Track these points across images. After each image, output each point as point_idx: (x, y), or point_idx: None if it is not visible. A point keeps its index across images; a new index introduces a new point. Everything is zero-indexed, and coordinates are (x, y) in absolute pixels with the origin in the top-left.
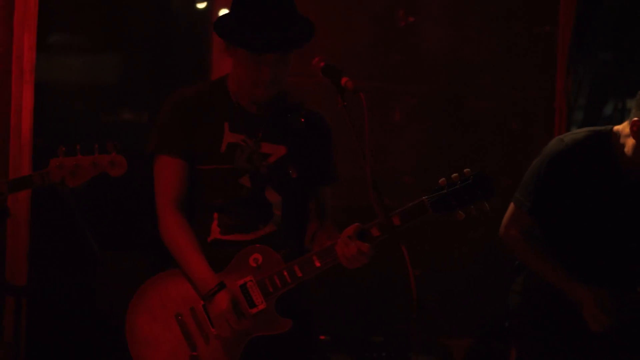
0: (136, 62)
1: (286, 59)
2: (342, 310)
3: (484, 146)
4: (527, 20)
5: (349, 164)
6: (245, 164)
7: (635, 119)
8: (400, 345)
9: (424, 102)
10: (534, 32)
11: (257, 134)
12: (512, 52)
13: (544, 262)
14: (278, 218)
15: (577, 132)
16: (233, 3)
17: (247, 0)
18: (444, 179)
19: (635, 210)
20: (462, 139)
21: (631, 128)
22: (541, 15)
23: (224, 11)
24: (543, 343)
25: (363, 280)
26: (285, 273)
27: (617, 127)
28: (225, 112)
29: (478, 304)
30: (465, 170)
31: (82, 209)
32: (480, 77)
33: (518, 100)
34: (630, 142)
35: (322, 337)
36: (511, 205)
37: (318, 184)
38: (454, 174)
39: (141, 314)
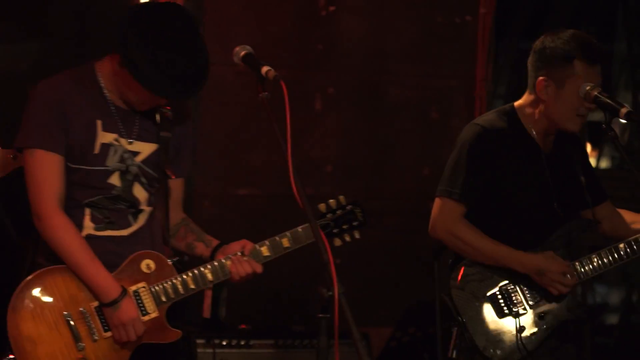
0: (56, 51)
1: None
2: (262, 300)
3: (404, 135)
4: (448, 9)
5: (270, 153)
6: (116, 164)
7: (541, 78)
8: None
9: (345, 91)
10: (455, 22)
11: (129, 133)
12: (433, 41)
13: (486, 242)
14: (147, 214)
15: (486, 115)
16: (147, 36)
17: (165, 44)
18: (323, 204)
19: (557, 179)
20: (382, 127)
21: (537, 89)
22: (462, 4)
23: None
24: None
25: (284, 269)
26: (179, 284)
27: (517, 103)
28: (98, 108)
29: (397, 292)
30: (340, 197)
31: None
32: (401, 66)
33: (438, 89)
34: (537, 109)
35: (243, 326)
36: (437, 200)
37: (179, 176)
38: (331, 200)
39: (25, 309)
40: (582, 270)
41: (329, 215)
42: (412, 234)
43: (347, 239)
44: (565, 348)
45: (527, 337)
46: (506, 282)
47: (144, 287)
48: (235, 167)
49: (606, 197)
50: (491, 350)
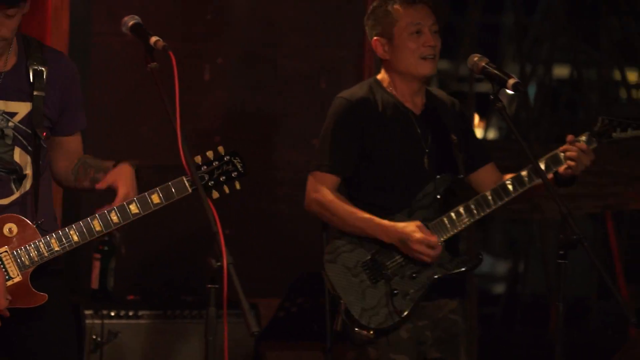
0: None
1: (9, 12)
2: (151, 270)
3: (294, 106)
4: None
5: (159, 124)
6: None
7: (375, 39)
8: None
9: (234, 62)
10: None
11: (2, 93)
12: (322, 12)
13: (352, 213)
14: (30, 179)
15: (352, 88)
16: None
17: None
18: (199, 156)
19: (431, 140)
20: (271, 98)
21: (376, 51)
22: None
23: None
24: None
25: (173, 239)
26: (42, 246)
27: (379, 75)
28: None
29: (287, 263)
30: (219, 147)
31: None
32: (290, 36)
33: (327, 60)
34: (390, 72)
35: (131, 297)
36: (309, 176)
37: (67, 134)
38: (209, 152)
39: None
40: (449, 224)
41: (204, 167)
42: (301, 205)
43: (226, 190)
44: (445, 302)
45: (401, 300)
46: (376, 248)
47: (5, 251)
48: (124, 138)
49: (489, 160)
50: (367, 318)
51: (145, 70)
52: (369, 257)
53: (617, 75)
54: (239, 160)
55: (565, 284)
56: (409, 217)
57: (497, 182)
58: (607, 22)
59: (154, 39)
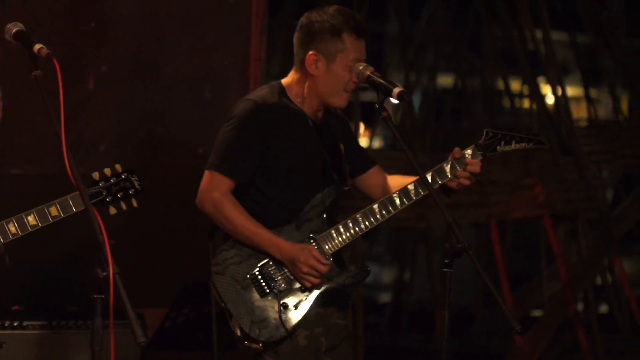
0: None
1: None
2: (35, 280)
3: (179, 113)
4: None
5: (43, 132)
6: None
7: (310, 52)
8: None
9: (118, 69)
10: (229, 0)
11: None
12: (207, 19)
13: (248, 223)
14: None
15: (258, 90)
16: None
17: None
18: (97, 173)
19: (330, 151)
20: (156, 106)
21: (306, 63)
22: None
23: None
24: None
25: (57, 248)
26: None
27: (283, 80)
28: None
29: (173, 272)
30: (116, 165)
31: None
32: (174, 44)
33: (212, 67)
34: (305, 85)
35: (15, 307)
36: (207, 173)
37: None
38: (106, 169)
39: None
40: (335, 241)
41: (101, 183)
42: (187, 214)
43: (124, 207)
44: (330, 312)
45: (290, 312)
46: (265, 260)
47: None
48: (8, 146)
49: (373, 163)
50: (257, 331)
51: (29, 77)
52: (258, 270)
53: (500, 84)
54: (136, 178)
55: (450, 293)
56: (297, 230)
57: (383, 184)
58: (489, 31)
59: (37, 46)
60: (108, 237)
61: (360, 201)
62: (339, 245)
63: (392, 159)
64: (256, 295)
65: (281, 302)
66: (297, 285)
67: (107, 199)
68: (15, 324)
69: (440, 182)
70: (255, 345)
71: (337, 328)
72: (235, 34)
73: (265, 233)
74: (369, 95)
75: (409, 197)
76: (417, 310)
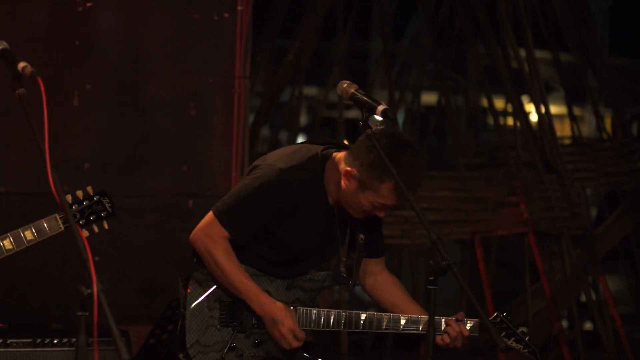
0: None
1: None
2: (19, 297)
3: (163, 132)
4: (205, 6)
5: (27, 151)
6: None
7: (348, 168)
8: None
9: (103, 88)
10: (213, 19)
11: None
12: (191, 38)
13: (237, 273)
14: None
15: (295, 156)
16: None
17: None
18: (69, 195)
19: (331, 241)
20: (140, 125)
21: (343, 174)
22: (219, 1)
23: None
24: None
25: (41, 266)
26: None
27: (336, 154)
28: None
29: (157, 290)
30: (88, 188)
31: None
32: (158, 63)
33: (196, 86)
34: (338, 180)
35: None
36: (210, 214)
37: None
38: (78, 191)
39: None
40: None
41: (75, 206)
42: (170, 231)
43: (96, 229)
44: None
45: (234, 356)
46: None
47: None
48: None
49: (381, 254)
50: (195, 351)
51: (12, 96)
52: (231, 301)
53: (484, 102)
54: (107, 201)
55: (435, 310)
56: (286, 290)
57: (375, 277)
58: (473, 49)
59: (22, 64)
60: (92, 254)
61: None
62: (311, 327)
63: None
64: (216, 321)
65: (233, 343)
66: (255, 337)
67: (80, 222)
68: None
69: (421, 330)
70: (183, 358)
71: None
72: (220, 52)
73: (252, 286)
74: (354, 113)
75: (396, 328)
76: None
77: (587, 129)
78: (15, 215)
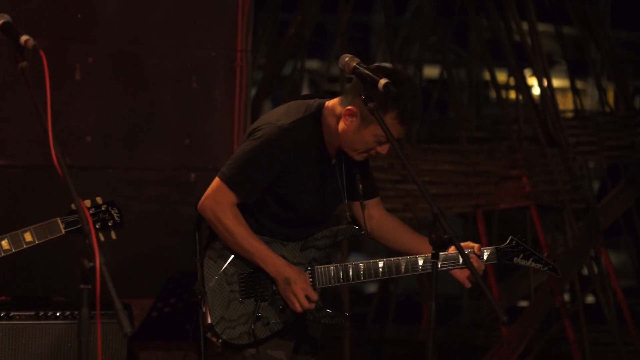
0: None
1: None
2: (22, 271)
3: (165, 105)
4: None
5: (29, 123)
6: None
7: (350, 107)
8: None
9: (105, 61)
10: None
11: None
12: (193, 11)
13: (248, 237)
14: None
15: (295, 113)
16: None
17: None
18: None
19: (334, 193)
20: (142, 98)
21: (344, 114)
22: None
23: None
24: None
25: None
26: None
27: (328, 103)
28: None
29: (159, 263)
30: (97, 198)
31: None
32: (160, 36)
33: (198, 59)
34: (337, 125)
35: (2, 298)
36: (216, 179)
37: None
38: (87, 200)
39: None
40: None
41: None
42: (173, 204)
43: (102, 238)
44: (295, 347)
45: (261, 325)
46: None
47: None
48: None
49: (376, 194)
50: (222, 327)
51: (14, 69)
52: (250, 272)
53: (486, 75)
54: (116, 211)
55: (437, 283)
56: (300, 251)
57: (378, 218)
58: (476, 23)
59: (24, 38)
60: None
61: None
62: (331, 284)
63: None
64: (237, 295)
65: (258, 312)
66: (279, 303)
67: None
68: (1, 314)
69: (447, 269)
70: (214, 340)
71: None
72: (222, 25)
73: (264, 249)
74: None
75: (415, 269)
76: (404, 301)
77: (590, 102)
78: (17, 188)
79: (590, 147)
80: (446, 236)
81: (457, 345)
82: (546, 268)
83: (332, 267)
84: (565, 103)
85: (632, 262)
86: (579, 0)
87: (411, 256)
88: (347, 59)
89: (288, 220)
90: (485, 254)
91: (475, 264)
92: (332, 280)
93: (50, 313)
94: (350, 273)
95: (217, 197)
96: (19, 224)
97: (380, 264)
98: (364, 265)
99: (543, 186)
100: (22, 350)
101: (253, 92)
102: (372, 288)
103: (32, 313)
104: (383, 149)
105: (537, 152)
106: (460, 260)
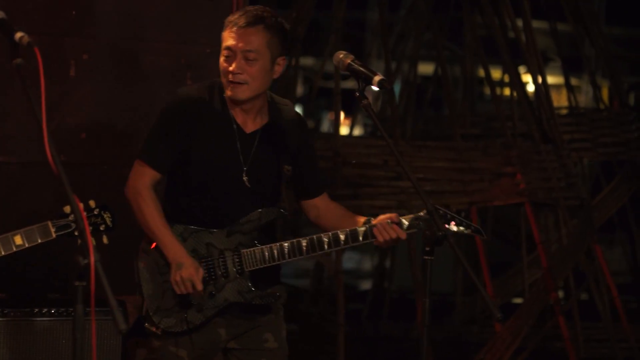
0: None
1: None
2: (17, 267)
3: (159, 102)
4: None
5: (24, 120)
6: None
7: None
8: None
9: (100, 58)
10: None
11: None
12: (188, 8)
13: (157, 221)
14: None
15: (191, 85)
16: None
17: None
18: (68, 206)
19: (257, 163)
20: (137, 94)
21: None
22: None
23: None
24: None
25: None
26: None
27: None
28: None
29: None
30: (90, 201)
31: None
32: (156, 32)
33: (194, 56)
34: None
35: None
36: (135, 162)
37: None
38: (79, 203)
39: None
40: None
41: (71, 217)
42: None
43: (93, 242)
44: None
45: (194, 312)
46: (192, 255)
47: None
48: None
49: (322, 191)
50: (159, 317)
51: (9, 66)
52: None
53: (481, 72)
54: (108, 215)
55: (431, 280)
56: (227, 237)
57: (325, 213)
58: (470, 19)
59: (19, 34)
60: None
61: None
62: (259, 266)
63: (372, 147)
64: (170, 285)
65: (190, 300)
66: (209, 289)
67: (76, 233)
68: None
69: (370, 239)
70: (154, 329)
71: (241, 320)
72: (217, 22)
73: (168, 234)
74: (350, 84)
75: (338, 244)
76: (398, 298)
77: (584, 99)
78: (13, 184)
79: (584, 144)
80: (440, 233)
81: (451, 342)
82: (469, 230)
83: (257, 250)
84: (560, 100)
85: (626, 258)
86: None
87: (333, 232)
88: (341, 55)
89: (211, 206)
90: (405, 223)
91: (397, 234)
92: (259, 262)
93: (45, 310)
94: (276, 253)
95: (134, 175)
96: (15, 220)
97: (304, 242)
98: (288, 245)
99: (537, 183)
100: (16, 347)
101: None
102: (366, 285)
103: (28, 310)
104: (231, 65)
105: (531, 149)
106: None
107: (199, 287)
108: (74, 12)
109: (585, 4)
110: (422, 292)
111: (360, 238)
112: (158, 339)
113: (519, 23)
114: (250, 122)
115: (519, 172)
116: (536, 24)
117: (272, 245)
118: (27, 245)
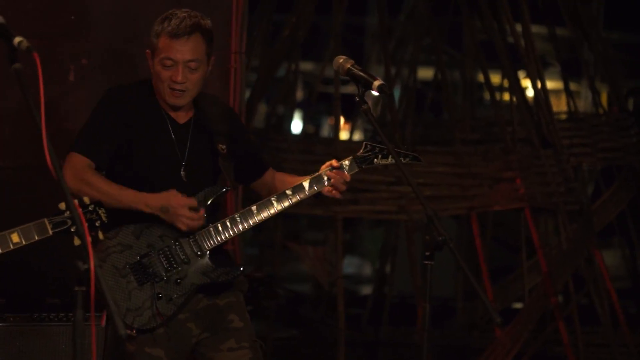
0: None
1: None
2: (16, 272)
3: None
4: None
5: (21, 124)
6: None
7: (148, 50)
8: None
9: (98, 62)
10: None
11: None
12: None
13: (113, 187)
14: None
15: (130, 82)
16: None
17: None
18: (63, 203)
19: (193, 153)
20: None
21: (148, 57)
22: None
23: None
24: None
25: (37, 241)
26: None
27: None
28: None
29: None
30: (84, 197)
31: None
32: None
33: None
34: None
35: None
36: (67, 156)
37: None
38: (74, 200)
39: None
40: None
41: (67, 213)
42: None
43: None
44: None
45: (164, 304)
46: (146, 251)
47: None
48: None
49: (267, 168)
50: (131, 318)
51: (8, 70)
52: (137, 260)
53: (480, 77)
54: (103, 211)
55: (431, 285)
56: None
57: (275, 184)
58: (470, 24)
59: (17, 39)
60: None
61: None
62: (217, 243)
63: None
64: (134, 284)
65: (156, 292)
66: (174, 278)
67: (72, 229)
68: None
69: (317, 189)
70: (129, 331)
71: (206, 310)
72: (216, 27)
73: (130, 191)
74: (350, 88)
75: (285, 199)
76: (398, 303)
77: (583, 104)
78: (10, 189)
79: (584, 148)
80: (440, 238)
81: (452, 347)
82: (408, 159)
83: (211, 227)
84: (559, 105)
85: (626, 263)
86: (572, 1)
87: (279, 192)
88: (341, 60)
89: (149, 190)
90: (346, 165)
91: (340, 177)
92: (215, 239)
93: (44, 315)
94: (229, 223)
95: (70, 165)
96: (9, 224)
97: (254, 207)
98: (238, 215)
99: (537, 188)
100: (16, 352)
101: (247, 93)
102: (366, 290)
103: (27, 315)
104: (176, 75)
105: (531, 154)
106: (326, 182)
107: (195, 203)
108: (72, 17)
109: (584, 9)
110: (422, 297)
111: (307, 187)
112: (133, 342)
113: (518, 28)
114: (181, 115)
115: (519, 177)
116: (535, 28)
117: (224, 219)
118: (24, 242)
